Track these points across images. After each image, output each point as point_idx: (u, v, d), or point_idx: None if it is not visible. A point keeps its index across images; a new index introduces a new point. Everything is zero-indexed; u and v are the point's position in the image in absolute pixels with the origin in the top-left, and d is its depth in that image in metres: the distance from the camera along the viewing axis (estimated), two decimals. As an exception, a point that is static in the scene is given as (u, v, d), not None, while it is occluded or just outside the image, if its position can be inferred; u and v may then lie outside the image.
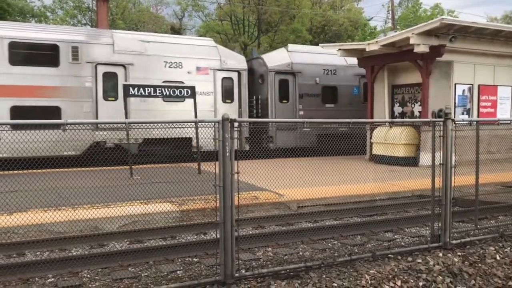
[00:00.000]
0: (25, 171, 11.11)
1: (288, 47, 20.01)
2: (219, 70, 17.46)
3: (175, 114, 16.00)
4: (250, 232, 7.71)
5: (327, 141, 16.80)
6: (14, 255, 6.50)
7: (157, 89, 12.92)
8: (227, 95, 17.72)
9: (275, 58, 19.39)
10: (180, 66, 16.71)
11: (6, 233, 7.21)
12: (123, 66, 15.79)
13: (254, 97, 18.99)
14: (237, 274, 5.28)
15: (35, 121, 4.83)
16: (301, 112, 18.97)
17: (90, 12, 39.03)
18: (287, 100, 19.01)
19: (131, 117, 14.18)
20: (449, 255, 6.49)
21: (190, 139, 15.64)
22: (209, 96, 17.22)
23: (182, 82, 16.17)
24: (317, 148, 16.70)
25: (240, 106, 17.91)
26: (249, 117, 18.10)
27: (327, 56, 19.60)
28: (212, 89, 17.27)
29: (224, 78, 17.64)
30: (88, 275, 5.74)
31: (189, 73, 16.84)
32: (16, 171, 11.18)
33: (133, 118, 14.52)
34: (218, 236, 5.20)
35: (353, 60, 18.28)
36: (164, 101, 15.38)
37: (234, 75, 17.86)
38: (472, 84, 15.90)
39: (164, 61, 16.44)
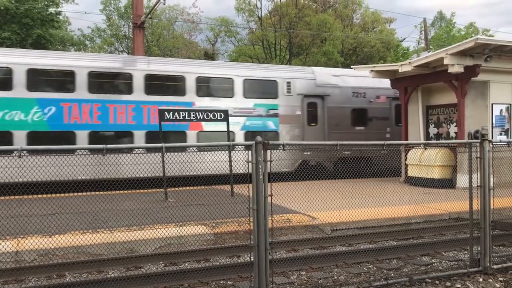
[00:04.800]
0: (63, 195, 11.44)
1: None
2: None
3: None
4: (284, 256, 7.68)
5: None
6: (54, 276, 6.68)
7: (191, 113, 13.20)
8: None
9: None
10: None
11: (47, 254, 7.42)
12: None
13: None
14: (271, 298, 5.27)
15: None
16: None
17: (126, 40, 40.36)
18: None
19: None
20: (490, 280, 6.29)
21: None
22: None
23: None
24: None
25: None
26: None
27: None
28: None
29: None
30: (125, 297, 5.83)
31: None
32: (54, 195, 11.52)
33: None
34: (252, 259, 5.22)
35: None
36: None
37: None
38: (510, 104, 15.50)
39: None
